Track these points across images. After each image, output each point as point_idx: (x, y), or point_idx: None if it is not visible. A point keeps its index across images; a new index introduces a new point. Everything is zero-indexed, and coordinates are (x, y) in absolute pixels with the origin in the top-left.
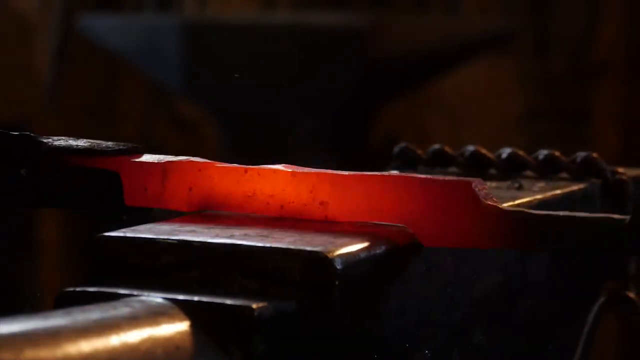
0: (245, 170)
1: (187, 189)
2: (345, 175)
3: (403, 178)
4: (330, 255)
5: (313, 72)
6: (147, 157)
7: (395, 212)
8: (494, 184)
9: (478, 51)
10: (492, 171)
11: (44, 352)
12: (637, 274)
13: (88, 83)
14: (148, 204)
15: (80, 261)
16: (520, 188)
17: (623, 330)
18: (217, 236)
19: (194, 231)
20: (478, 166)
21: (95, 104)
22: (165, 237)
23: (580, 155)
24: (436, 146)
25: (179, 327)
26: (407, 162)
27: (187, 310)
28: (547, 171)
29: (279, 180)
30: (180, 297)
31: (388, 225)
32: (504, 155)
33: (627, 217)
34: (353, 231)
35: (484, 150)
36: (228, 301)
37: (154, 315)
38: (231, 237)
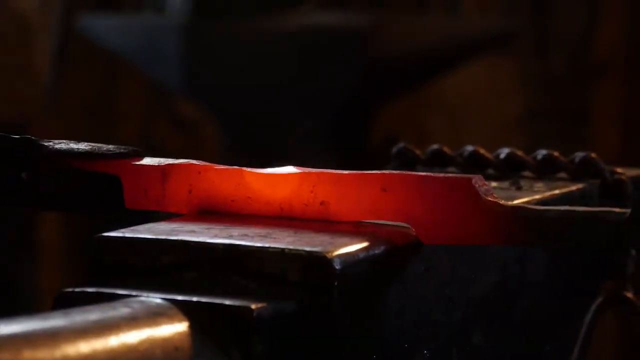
0: (245, 172)
1: (187, 191)
2: (345, 174)
3: (403, 176)
4: (329, 255)
5: (313, 72)
6: (147, 160)
7: (396, 210)
8: (492, 184)
9: (478, 51)
10: (491, 171)
11: (42, 352)
12: (635, 273)
13: (88, 83)
14: (148, 207)
15: (80, 261)
16: (518, 188)
17: (621, 330)
18: (216, 236)
19: (193, 231)
20: (477, 166)
21: (95, 104)
22: (165, 237)
23: (579, 155)
24: (435, 146)
25: (178, 327)
26: (406, 163)
27: (186, 310)
28: (546, 171)
29: (279, 180)
30: (179, 297)
31: (388, 225)
32: (502, 156)
33: (627, 211)
34: (352, 231)
35: (482, 150)
36: (227, 301)
37: (153, 316)
38: (230, 237)
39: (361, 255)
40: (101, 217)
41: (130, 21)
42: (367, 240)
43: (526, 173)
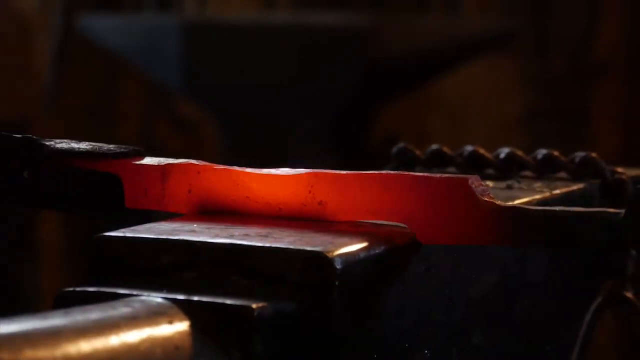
0: (244, 172)
1: (187, 191)
2: (343, 174)
3: (400, 176)
4: (330, 255)
5: (313, 72)
6: (147, 160)
7: (393, 210)
8: (492, 184)
9: (478, 51)
10: (491, 171)
11: (43, 352)
12: (635, 273)
13: (88, 83)
14: (149, 207)
15: (80, 261)
16: (518, 188)
17: (621, 330)
18: (216, 236)
19: (193, 231)
20: (476, 166)
21: (95, 104)
22: (165, 237)
23: (579, 155)
24: (434, 146)
25: (179, 327)
26: (406, 163)
27: (186, 310)
28: (546, 171)
29: (277, 181)
30: (180, 297)
31: (388, 225)
32: (502, 155)
33: (622, 211)
34: (353, 231)
35: (482, 150)
36: (228, 301)
37: (153, 315)
38: (231, 237)
39: (362, 255)
40: (101, 217)
41: (130, 21)
42: (367, 240)
43: (526, 173)
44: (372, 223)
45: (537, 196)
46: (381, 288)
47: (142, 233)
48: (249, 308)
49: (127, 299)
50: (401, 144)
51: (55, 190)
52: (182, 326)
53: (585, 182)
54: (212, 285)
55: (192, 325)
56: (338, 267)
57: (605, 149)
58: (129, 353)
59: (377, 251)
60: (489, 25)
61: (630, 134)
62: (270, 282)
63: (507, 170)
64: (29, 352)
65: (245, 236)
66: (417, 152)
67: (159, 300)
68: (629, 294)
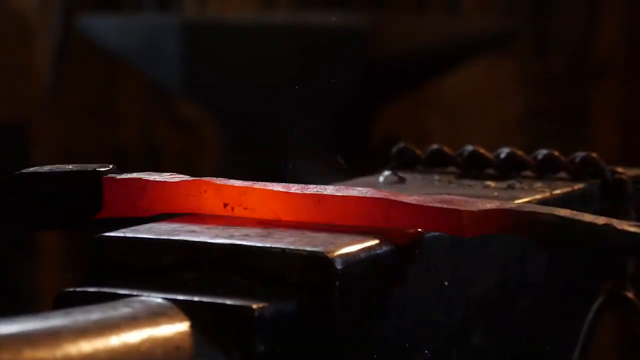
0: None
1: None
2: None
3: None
4: (330, 255)
5: (313, 72)
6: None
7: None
8: (493, 184)
9: (478, 51)
10: (491, 171)
11: (43, 352)
12: (635, 273)
13: (88, 83)
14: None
15: (81, 261)
16: (519, 188)
17: (621, 330)
18: (217, 236)
19: (193, 231)
20: (476, 166)
21: (95, 104)
22: (165, 237)
23: (579, 155)
24: (434, 146)
25: (179, 327)
26: (406, 163)
27: (187, 310)
28: (546, 171)
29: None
30: (180, 297)
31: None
32: (502, 155)
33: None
34: (353, 231)
35: (482, 150)
36: (228, 301)
37: (153, 316)
38: (231, 237)
39: (362, 255)
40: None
41: (130, 21)
42: (367, 240)
43: (527, 173)
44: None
45: (538, 196)
46: (381, 288)
47: (142, 233)
48: (250, 308)
49: (127, 299)
50: (401, 144)
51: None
52: (182, 326)
53: (585, 182)
54: (213, 286)
55: (192, 326)
56: (338, 267)
57: (605, 149)
58: (129, 353)
59: (377, 251)
60: (489, 25)
61: (630, 134)
62: (271, 282)
63: (507, 170)
64: (29, 353)
65: (246, 236)
66: (418, 152)
67: (159, 300)
68: (629, 294)
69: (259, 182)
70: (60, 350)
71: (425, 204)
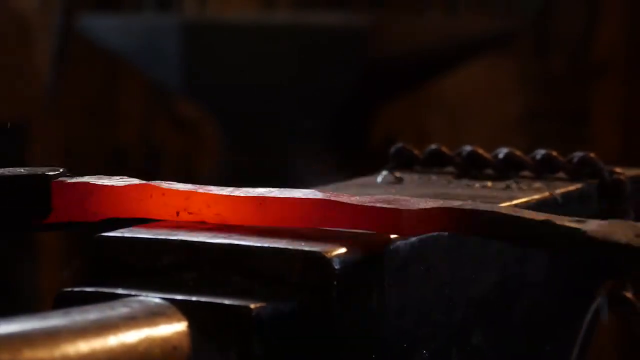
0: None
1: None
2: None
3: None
4: (328, 255)
5: (313, 72)
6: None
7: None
8: (490, 184)
9: (478, 51)
10: (489, 171)
11: (42, 352)
12: (635, 274)
13: (88, 83)
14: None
15: (80, 261)
16: (517, 188)
17: (621, 330)
18: (215, 236)
19: (193, 231)
20: (475, 166)
21: (95, 104)
22: (164, 237)
23: (578, 155)
24: (433, 146)
25: (177, 327)
26: (404, 163)
27: (185, 310)
28: (545, 171)
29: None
30: (179, 297)
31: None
32: (500, 155)
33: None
34: (352, 231)
35: (480, 150)
36: (226, 301)
37: (152, 316)
38: (230, 237)
39: (360, 255)
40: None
41: (130, 21)
42: (366, 240)
43: (525, 173)
44: None
45: (536, 196)
46: (381, 288)
47: (141, 233)
48: (248, 308)
49: (125, 299)
50: (399, 144)
51: None
52: (180, 326)
53: (583, 182)
54: (212, 286)
55: (190, 326)
56: (337, 267)
57: (605, 149)
58: (127, 353)
59: (376, 251)
60: (489, 25)
61: (630, 134)
62: (270, 282)
63: (505, 171)
64: (28, 353)
65: (245, 236)
66: (416, 152)
67: (158, 300)
68: (629, 294)
69: (203, 187)
70: (58, 350)
71: (364, 204)
